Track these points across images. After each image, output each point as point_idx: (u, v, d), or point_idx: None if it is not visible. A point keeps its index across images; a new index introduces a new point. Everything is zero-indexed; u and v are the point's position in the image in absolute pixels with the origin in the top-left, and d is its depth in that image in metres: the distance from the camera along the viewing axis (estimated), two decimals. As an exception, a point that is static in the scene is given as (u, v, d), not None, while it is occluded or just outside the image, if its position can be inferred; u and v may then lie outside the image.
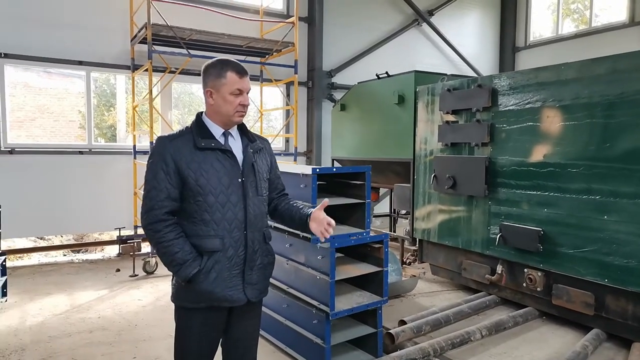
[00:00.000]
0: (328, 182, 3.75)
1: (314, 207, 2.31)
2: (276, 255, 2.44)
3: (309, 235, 3.29)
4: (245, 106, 2.20)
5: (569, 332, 4.09)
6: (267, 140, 2.45)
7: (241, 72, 2.17)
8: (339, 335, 3.37)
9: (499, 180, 4.54)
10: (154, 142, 2.18)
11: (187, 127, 2.21)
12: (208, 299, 2.13)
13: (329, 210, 3.62)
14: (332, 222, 2.24)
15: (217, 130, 2.20)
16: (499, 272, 4.58)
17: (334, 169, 3.44)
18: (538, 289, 4.25)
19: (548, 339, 3.99)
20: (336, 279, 3.22)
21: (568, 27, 10.96)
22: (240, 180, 2.16)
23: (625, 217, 3.57)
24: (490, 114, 4.62)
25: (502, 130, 4.51)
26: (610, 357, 3.64)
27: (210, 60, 2.21)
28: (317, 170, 3.26)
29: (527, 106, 4.28)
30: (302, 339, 3.47)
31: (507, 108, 4.47)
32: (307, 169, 3.28)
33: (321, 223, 2.23)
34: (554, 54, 10.55)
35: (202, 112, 2.25)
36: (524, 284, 4.37)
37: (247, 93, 2.21)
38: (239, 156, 2.20)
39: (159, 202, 2.07)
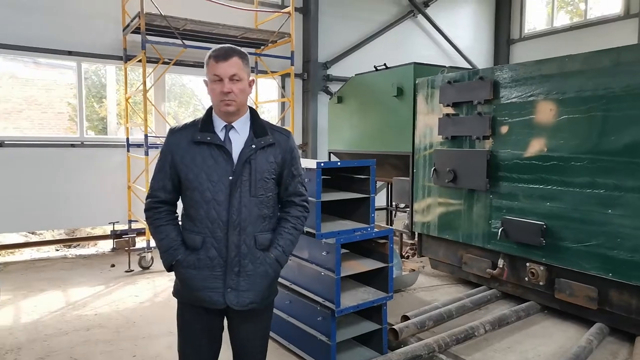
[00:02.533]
0: (332, 176, 3.68)
1: (277, 246, 2.12)
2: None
3: (312, 230, 3.23)
4: (228, 94, 1.99)
5: (572, 326, 4.10)
6: (286, 134, 2.20)
7: (218, 57, 1.99)
8: (344, 332, 3.33)
9: (501, 174, 4.51)
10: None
11: (196, 119, 2.15)
12: (188, 296, 2.11)
13: (333, 205, 3.60)
14: None
15: (219, 124, 2.10)
16: (501, 266, 4.56)
17: (339, 163, 3.37)
18: (540, 283, 4.24)
19: (551, 333, 3.99)
20: (341, 275, 3.16)
21: (562, 20, 10.96)
22: (229, 178, 2.03)
23: (630, 211, 3.56)
24: (492, 106, 4.57)
25: (504, 123, 4.47)
26: (614, 351, 3.65)
27: None
28: (322, 164, 3.19)
29: (530, 99, 4.24)
30: (306, 336, 3.42)
31: (509, 101, 4.42)
32: (312, 163, 3.20)
33: None
34: (549, 46, 10.55)
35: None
36: (526, 278, 4.36)
37: (235, 79, 2.00)
38: (236, 152, 2.06)
39: (154, 191, 2.14)
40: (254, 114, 2.17)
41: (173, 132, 2.14)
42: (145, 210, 2.16)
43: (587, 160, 3.83)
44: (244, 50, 2.13)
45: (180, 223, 2.18)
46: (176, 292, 2.19)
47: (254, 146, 2.07)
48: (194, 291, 2.07)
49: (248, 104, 2.20)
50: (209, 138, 2.05)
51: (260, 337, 2.27)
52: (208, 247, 2.04)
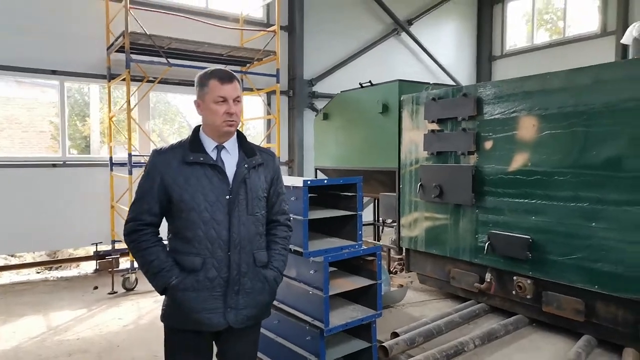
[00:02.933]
0: (318, 194, 3.66)
1: (273, 268, 2.19)
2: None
3: (300, 249, 3.20)
4: (232, 114, 2.06)
5: (560, 338, 4.10)
6: (272, 155, 2.29)
7: (223, 79, 2.06)
8: (333, 351, 3.28)
9: (486, 189, 4.55)
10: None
11: (182, 140, 2.14)
12: (185, 319, 2.04)
13: (320, 223, 3.58)
14: None
15: (209, 144, 2.12)
16: (488, 280, 4.57)
17: (325, 181, 3.36)
18: (528, 297, 4.25)
19: (540, 346, 3.99)
20: (330, 293, 3.13)
21: (542, 37, 11.24)
22: (227, 197, 2.04)
23: (613, 223, 3.61)
24: (476, 122, 4.64)
25: (488, 139, 4.53)
26: (602, 363, 3.66)
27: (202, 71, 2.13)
28: (309, 182, 3.18)
29: (513, 115, 4.31)
30: (295, 356, 3.35)
31: (492, 117, 4.49)
32: (298, 181, 3.19)
33: None
34: (530, 62, 10.80)
35: (199, 126, 2.18)
36: (514, 292, 4.37)
37: (237, 101, 2.08)
38: (230, 172, 2.09)
39: (139, 214, 2.07)
40: (240, 135, 2.23)
41: (160, 152, 2.10)
42: (127, 235, 2.08)
43: (570, 174, 3.89)
44: (230, 68, 2.16)
45: (167, 246, 2.13)
46: (166, 317, 2.10)
47: (247, 166, 2.11)
48: (193, 314, 2.02)
49: None
50: (202, 158, 2.05)
51: (250, 357, 2.26)
52: (208, 268, 2.02)
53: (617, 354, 3.73)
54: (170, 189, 2.04)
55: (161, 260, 2.03)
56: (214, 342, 2.20)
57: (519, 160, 4.26)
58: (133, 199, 2.12)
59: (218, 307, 2.03)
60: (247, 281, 2.08)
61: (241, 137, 2.21)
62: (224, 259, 2.03)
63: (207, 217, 2.01)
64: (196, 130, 2.16)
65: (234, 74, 2.14)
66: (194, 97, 2.14)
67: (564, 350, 3.85)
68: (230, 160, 2.13)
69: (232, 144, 2.16)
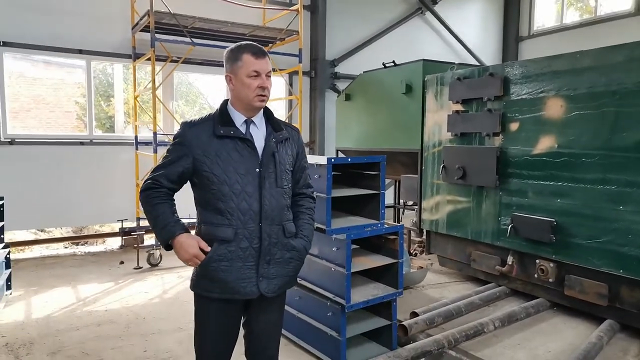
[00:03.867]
0: (342, 173, 3.68)
1: (303, 237, 2.26)
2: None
3: (323, 226, 3.23)
4: (265, 89, 2.10)
5: (581, 323, 4.07)
6: (296, 130, 2.34)
7: (257, 53, 2.09)
8: (353, 328, 3.33)
9: (511, 171, 4.48)
10: (180, 126, 2.17)
11: (210, 114, 2.17)
12: (220, 288, 2.09)
13: (343, 201, 3.60)
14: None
15: (239, 118, 2.14)
16: (510, 263, 4.54)
17: (349, 159, 3.37)
18: (550, 280, 4.21)
19: (561, 330, 3.97)
20: (352, 271, 3.17)
21: (572, 17, 10.87)
22: (257, 170, 2.09)
23: (642, 207, 3.53)
24: (502, 103, 4.55)
25: (514, 120, 4.44)
26: (625, 347, 3.62)
27: (231, 45, 2.15)
28: (333, 160, 3.20)
29: (541, 95, 4.21)
30: (316, 332, 3.43)
31: (519, 97, 4.40)
32: (322, 159, 3.21)
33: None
34: (558, 43, 10.46)
35: (227, 100, 2.21)
36: (535, 275, 4.33)
37: (268, 75, 2.11)
38: (260, 145, 2.13)
39: (157, 175, 2.12)
40: (267, 110, 2.25)
41: (190, 126, 2.13)
42: (142, 190, 2.13)
43: (598, 156, 3.80)
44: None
45: (201, 219, 2.15)
46: (197, 286, 2.15)
47: (274, 140, 2.15)
48: (227, 283, 2.08)
49: None
50: (232, 132, 2.09)
51: (277, 326, 2.33)
52: (240, 239, 2.07)
53: (639, 339, 3.69)
54: (200, 162, 2.07)
55: (167, 215, 2.08)
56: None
57: (545, 142, 4.17)
58: (158, 163, 2.18)
59: (251, 276, 2.09)
60: (277, 251, 2.14)
61: (268, 112, 2.23)
62: (256, 230, 2.08)
63: (238, 189, 2.06)
64: (224, 104, 2.19)
65: (263, 49, 2.16)
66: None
67: (585, 334, 3.82)
68: (258, 134, 2.16)
69: (259, 119, 2.19)
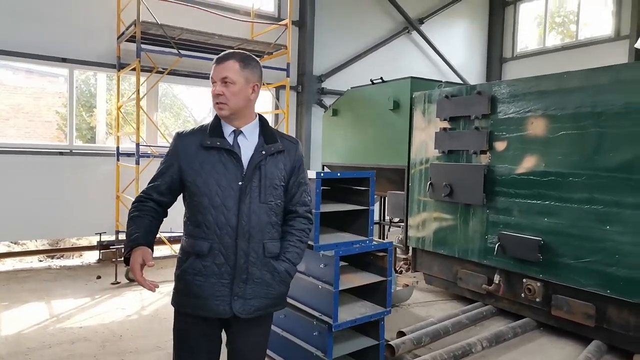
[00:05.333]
0: (330, 188, 3.61)
1: (285, 259, 2.10)
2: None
3: (311, 242, 3.15)
4: (218, 96, 1.99)
5: (569, 343, 4.04)
6: (295, 142, 2.20)
7: (216, 60, 2.03)
8: (340, 348, 3.22)
9: (498, 189, 4.48)
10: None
11: (204, 125, 2.11)
12: (193, 304, 2.02)
13: (331, 217, 3.52)
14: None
15: (227, 129, 2.08)
16: (497, 282, 4.51)
17: (338, 174, 3.31)
18: (537, 300, 4.19)
19: (548, 350, 3.93)
20: (340, 288, 3.08)
21: (553, 40, 11.14)
22: (239, 183, 1.99)
23: (629, 227, 3.54)
24: (490, 121, 4.57)
25: (502, 138, 4.46)
26: (613, 369, 3.60)
27: None
28: (322, 174, 3.13)
29: (528, 114, 4.25)
30: (301, 351, 3.31)
31: (507, 116, 4.43)
32: (311, 174, 3.13)
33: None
34: (541, 65, 10.68)
35: None
36: (522, 294, 4.31)
37: (225, 81, 1.98)
38: (245, 158, 2.03)
39: (148, 188, 2.10)
40: (263, 121, 2.17)
41: (180, 136, 2.10)
42: (132, 203, 2.12)
43: (585, 176, 3.83)
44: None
45: (184, 231, 2.11)
46: (175, 300, 2.10)
47: (264, 152, 2.05)
48: (200, 299, 1.99)
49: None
50: (218, 143, 2.01)
51: (259, 349, 2.20)
52: (215, 254, 1.98)
53: (627, 360, 3.67)
54: (185, 173, 2.03)
55: (138, 228, 2.02)
56: (224, 330, 2.16)
57: (533, 161, 4.19)
58: (154, 174, 2.15)
59: (225, 294, 1.99)
60: (255, 271, 2.02)
61: (263, 122, 2.15)
62: (232, 246, 1.98)
63: (217, 202, 1.98)
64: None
65: (237, 54, 2.03)
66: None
67: (573, 355, 3.79)
68: (247, 145, 2.07)
69: (251, 129, 2.10)
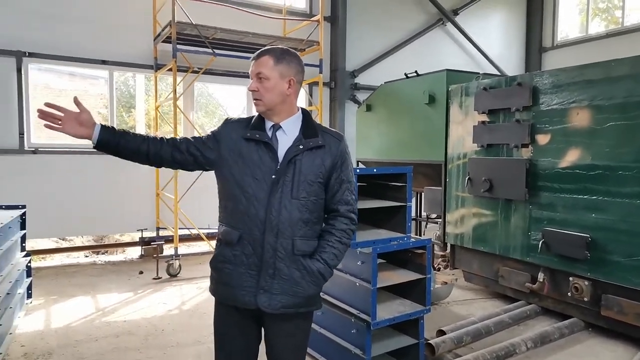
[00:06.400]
0: (366, 184, 3.57)
1: (319, 259, 2.02)
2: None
3: (348, 240, 3.12)
4: (252, 92, 2.03)
5: (620, 345, 3.85)
6: (338, 138, 2.11)
7: (254, 57, 2.06)
8: (378, 346, 3.19)
9: (541, 184, 4.31)
10: None
11: (253, 116, 2.15)
12: (222, 292, 2.06)
13: (367, 213, 3.48)
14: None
15: (268, 123, 2.09)
16: (541, 280, 4.35)
17: (375, 170, 3.26)
18: (584, 299, 4.01)
19: (597, 352, 3.76)
20: (378, 286, 3.04)
21: (597, 27, 10.64)
22: (273, 177, 1.98)
23: (686, 223, 3.33)
24: (531, 113, 4.40)
25: (545, 131, 4.29)
26: (669, 373, 3.40)
27: None
28: (358, 170, 3.09)
29: (573, 105, 4.06)
30: (338, 349, 3.30)
31: (549, 107, 4.25)
32: (347, 170, 3.10)
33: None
34: (583, 54, 10.23)
35: None
36: (569, 294, 4.13)
37: (258, 77, 1.99)
38: (282, 152, 2.02)
39: (182, 139, 2.12)
40: (306, 115, 2.14)
41: (228, 122, 2.15)
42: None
43: (636, 169, 3.63)
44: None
45: (218, 218, 2.14)
46: (210, 287, 2.17)
47: (301, 147, 2.01)
48: (228, 287, 2.03)
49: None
50: (257, 135, 2.03)
51: (295, 350, 2.15)
52: (244, 244, 2.00)
53: (685, 363, 3.46)
54: (223, 159, 2.07)
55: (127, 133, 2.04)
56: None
57: (578, 154, 4.01)
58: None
59: (251, 285, 1.99)
60: (283, 267, 1.97)
61: (306, 116, 2.12)
62: (259, 239, 1.97)
63: (250, 193, 1.99)
64: None
65: (272, 50, 2.04)
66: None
67: (625, 357, 3.61)
68: (286, 140, 2.05)
69: (291, 124, 2.08)
